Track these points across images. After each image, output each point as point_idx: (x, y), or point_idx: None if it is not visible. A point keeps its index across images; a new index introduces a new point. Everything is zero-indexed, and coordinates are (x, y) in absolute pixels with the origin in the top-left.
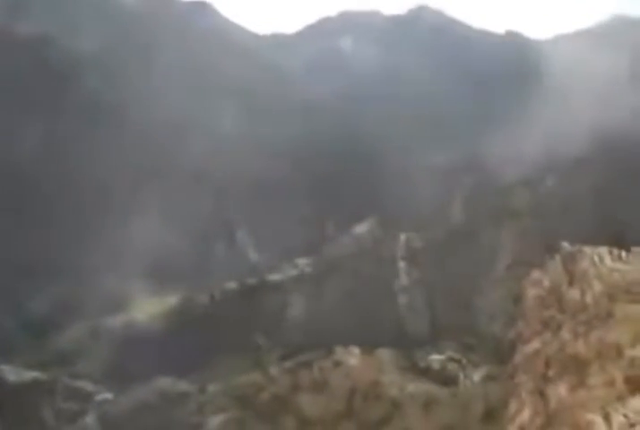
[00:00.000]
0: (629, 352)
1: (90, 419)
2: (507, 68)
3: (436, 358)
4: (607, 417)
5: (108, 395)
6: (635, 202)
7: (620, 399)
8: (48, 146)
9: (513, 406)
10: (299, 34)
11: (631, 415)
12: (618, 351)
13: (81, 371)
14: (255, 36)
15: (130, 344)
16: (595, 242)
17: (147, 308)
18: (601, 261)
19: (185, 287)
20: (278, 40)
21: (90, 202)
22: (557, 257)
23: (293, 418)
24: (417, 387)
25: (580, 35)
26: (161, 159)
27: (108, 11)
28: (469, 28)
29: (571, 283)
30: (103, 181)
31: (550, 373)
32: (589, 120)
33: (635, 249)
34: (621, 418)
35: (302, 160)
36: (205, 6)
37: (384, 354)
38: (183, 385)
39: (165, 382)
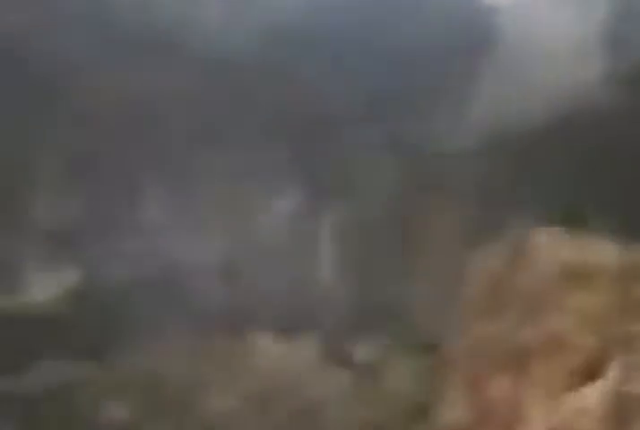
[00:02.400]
0: (579, 343)
1: None
2: (458, 31)
3: (362, 349)
4: (549, 412)
5: None
6: (597, 181)
7: (567, 394)
8: None
9: (444, 402)
10: None
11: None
12: (567, 342)
13: None
14: None
15: (20, 325)
16: (548, 221)
17: (40, 283)
18: (554, 242)
19: (84, 260)
20: None
21: None
22: (505, 236)
23: (200, 413)
24: (337, 380)
25: None
26: (50, 118)
27: None
28: None
29: (517, 265)
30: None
31: (488, 365)
32: (550, 88)
33: (592, 231)
34: (566, 414)
35: (220, 127)
36: None
37: (305, 342)
38: (81, 372)
39: (60, 368)
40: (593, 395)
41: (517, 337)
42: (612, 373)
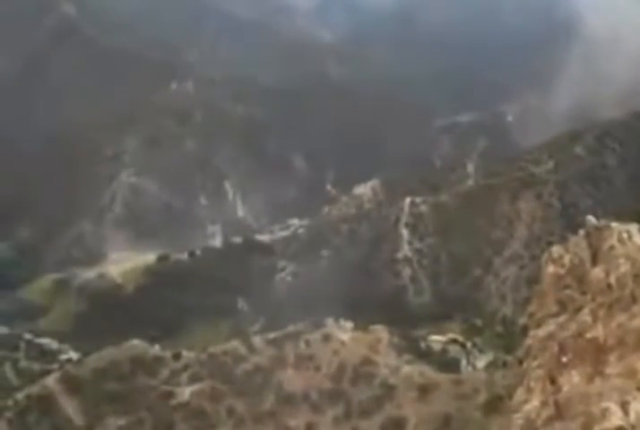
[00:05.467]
0: None
1: (51, 380)
2: (538, 19)
3: (437, 340)
4: (624, 407)
5: (74, 355)
6: None
7: None
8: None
9: (519, 394)
10: None
11: None
12: None
13: (46, 327)
14: None
15: (100, 301)
16: (624, 218)
17: (121, 263)
18: (630, 238)
19: (164, 241)
20: None
21: (65, 143)
22: (581, 232)
23: (273, 395)
24: (413, 370)
25: None
26: (142, 98)
27: None
28: None
29: (595, 262)
30: (80, 120)
31: (564, 359)
32: (626, 83)
33: None
34: None
35: (302, 111)
36: None
37: (380, 331)
38: (155, 350)
39: (136, 345)
40: None
41: (592, 332)
42: None
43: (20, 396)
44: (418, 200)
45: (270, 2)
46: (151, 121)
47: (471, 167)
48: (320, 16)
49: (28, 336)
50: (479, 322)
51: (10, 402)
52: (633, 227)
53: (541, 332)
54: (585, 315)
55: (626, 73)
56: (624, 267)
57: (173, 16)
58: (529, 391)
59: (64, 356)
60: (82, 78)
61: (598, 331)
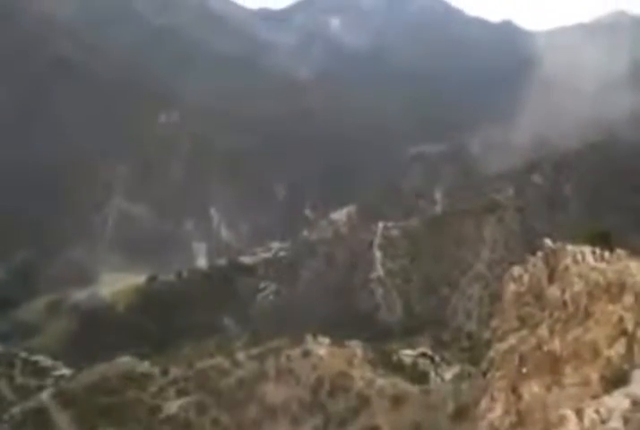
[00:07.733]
0: (606, 352)
1: (45, 395)
2: (500, 58)
3: (408, 354)
4: (579, 413)
5: (67, 371)
6: (620, 204)
7: (595, 397)
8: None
9: (484, 403)
10: (288, 11)
11: (603, 410)
12: (595, 351)
13: (40, 345)
14: (243, 10)
15: (92, 320)
16: (577, 240)
17: (112, 284)
18: (583, 259)
19: (153, 263)
20: (266, 15)
21: (60, 171)
22: (539, 254)
23: (256, 407)
24: (386, 382)
25: (577, 29)
26: (133, 128)
27: None
28: (461, 13)
29: (551, 280)
30: (75, 149)
31: (525, 370)
32: (581, 116)
33: (618, 250)
34: (593, 415)
35: (283, 141)
36: None
37: (355, 346)
38: (144, 366)
39: (126, 362)
40: (619, 400)
41: (549, 345)
42: (636, 379)
43: (16, 410)
44: (390, 224)
45: (254, 40)
46: (141, 150)
47: (438, 194)
48: (301, 53)
49: (23, 354)
50: (446, 336)
51: (6, 416)
52: (586, 248)
53: (504, 346)
54: (543, 330)
55: (580, 108)
56: (578, 285)
57: (163, 52)
58: (493, 400)
59: (57, 373)
60: (78, 109)
61: (555, 345)
